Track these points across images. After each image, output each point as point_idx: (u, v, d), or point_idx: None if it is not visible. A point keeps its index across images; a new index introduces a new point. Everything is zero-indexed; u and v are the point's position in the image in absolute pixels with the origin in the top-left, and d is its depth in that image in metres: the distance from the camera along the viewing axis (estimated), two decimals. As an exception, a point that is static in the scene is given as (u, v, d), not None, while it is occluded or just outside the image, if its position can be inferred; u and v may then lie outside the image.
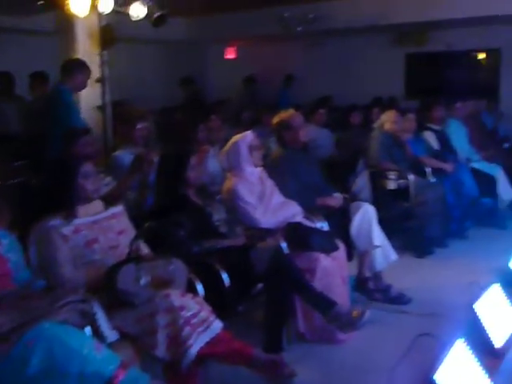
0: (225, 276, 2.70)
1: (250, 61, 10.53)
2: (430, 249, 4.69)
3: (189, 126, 4.40)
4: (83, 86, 4.57)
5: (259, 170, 3.44)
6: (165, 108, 7.28)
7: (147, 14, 5.26)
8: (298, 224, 3.26)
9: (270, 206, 3.34)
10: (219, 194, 3.38)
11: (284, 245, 3.09)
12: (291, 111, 3.76)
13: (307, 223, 3.38)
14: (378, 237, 3.67)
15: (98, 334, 2.04)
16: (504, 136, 7.80)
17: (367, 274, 3.69)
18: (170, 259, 2.39)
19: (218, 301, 2.60)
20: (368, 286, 3.66)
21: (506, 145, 7.43)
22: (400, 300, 3.64)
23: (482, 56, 9.49)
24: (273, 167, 3.65)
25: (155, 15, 5.30)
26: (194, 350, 2.07)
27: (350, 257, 3.59)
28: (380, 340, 3.13)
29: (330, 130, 6.40)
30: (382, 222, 4.03)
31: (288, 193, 3.51)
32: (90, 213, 2.50)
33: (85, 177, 2.48)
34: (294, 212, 3.40)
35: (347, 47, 9.94)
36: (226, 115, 6.45)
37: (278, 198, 3.43)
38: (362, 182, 4.85)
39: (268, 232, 3.17)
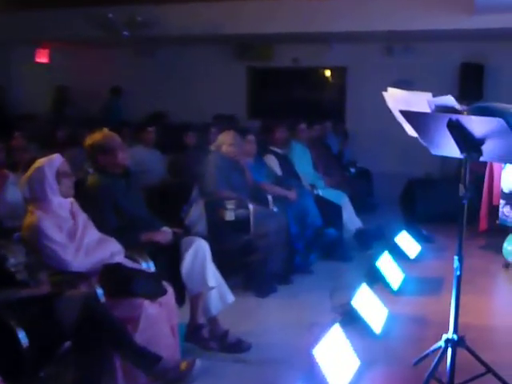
0: (22, 335, 2.53)
1: (67, 68, 10.24)
2: (273, 286, 4.82)
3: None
4: None
5: (70, 200, 3.31)
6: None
7: None
8: (118, 265, 3.18)
9: (83, 244, 3.21)
10: (18, 231, 3.17)
11: (100, 291, 2.99)
12: (105, 131, 3.71)
13: (129, 264, 3.31)
14: (213, 276, 3.69)
15: None
16: (350, 160, 8.46)
17: (201, 320, 3.68)
18: None
19: (13, 366, 2.43)
20: (202, 334, 3.64)
21: (353, 170, 8.06)
22: (239, 347, 3.66)
23: (329, 74, 10.25)
24: (88, 197, 3.53)
25: None
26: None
27: (180, 301, 3.58)
28: (215, 396, 3.15)
29: (162, 152, 6.41)
30: (220, 259, 4.10)
31: (106, 228, 3.42)
32: None
33: None
34: (112, 251, 3.30)
35: (184, 58, 10.15)
36: (35, 133, 6.17)
37: (93, 234, 3.31)
38: (196, 212, 4.89)
39: (80, 277, 3.05)
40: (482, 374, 2.90)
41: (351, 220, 6.36)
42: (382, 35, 8.91)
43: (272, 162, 5.96)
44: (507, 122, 2.41)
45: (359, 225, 6.43)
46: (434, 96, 2.74)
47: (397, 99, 2.81)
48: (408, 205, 7.38)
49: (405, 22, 8.13)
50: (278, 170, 5.93)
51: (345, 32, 8.62)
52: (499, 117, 2.43)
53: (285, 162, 6.14)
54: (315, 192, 6.20)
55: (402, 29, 8.30)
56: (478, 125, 2.55)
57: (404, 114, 2.76)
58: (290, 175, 6.00)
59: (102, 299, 2.96)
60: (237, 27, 8.61)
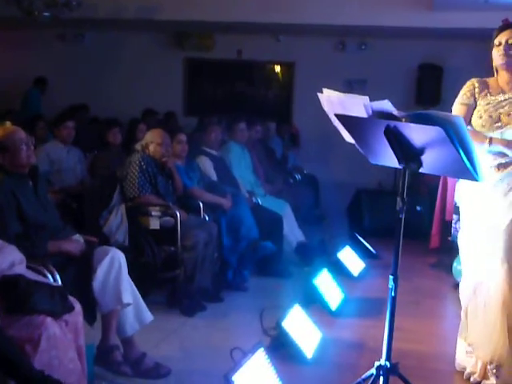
0: None
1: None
2: (201, 304, 4.85)
3: None
4: None
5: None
6: None
7: None
8: (17, 277, 3.12)
9: (-24, 253, 3.16)
10: None
11: (-5, 307, 2.93)
12: (7, 125, 3.64)
13: (31, 276, 3.26)
14: (129, 292, 3.67)
15: None
16: (296, 166, 8.55)
17: (114, 340, 3.66)
18: None
19: None
20: (114, 357, 3.62)
21: (298, 176, 8.15)
22: (156, 373, 3.65)
23: (276, 69, 10.36)
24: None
25: None
26: None
27: (91, 319, 3.55)
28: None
29: (82, 150, 6.36)
30: (141, 272, 4.09)
31: (6, 234, 3.36)
32: None
33: None
34: (12, 260, 3.23)
35: (113, 44, 10.09)
36: None
37: (-11, 241, 3.25)
38: (116, 219, 4.84)
39: (-28, 290, 2.99)
40: (415, 405, 2.98)
41: (292, 232, 6.46)
42: (334, 29, 9.08)
43: (206, 164, 5.99)
44: (447, 132, 2.49)
45: (301, 238, 6.54)
46: (384, 99, 2.79)
47: (333, 101, 2.86)
48: (355, 217, 7.52)
49: (360, 16, 8.32)
50: (212, 174, 5.96)
51: (294, 24, 8.74)
52: (439, 126, 2.51)
53: (221, 165, 6.17)
54: (254, 200, 6.25)
55: (356, 23, 8.48)
56: (416, 133, 2.62)
57: (339, 117, 2.82)
58: (225, 180, 6.04)
59: (-3, 316, 2.91)
60: (173, 13, 8.61)
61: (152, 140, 5.15)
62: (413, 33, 8.70)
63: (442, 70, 9.32)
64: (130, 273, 3.72)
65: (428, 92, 9.09)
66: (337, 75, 9.13)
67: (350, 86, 9.20)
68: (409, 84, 9.28)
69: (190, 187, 5.44)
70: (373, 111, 2.71)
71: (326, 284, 4.95)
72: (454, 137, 2.51)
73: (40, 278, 3.32)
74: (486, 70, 8.46)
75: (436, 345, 4.19)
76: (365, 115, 2.73)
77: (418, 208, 6.89)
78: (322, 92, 2.98)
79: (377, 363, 3.00)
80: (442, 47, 9.12)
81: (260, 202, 6.30)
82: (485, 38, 8.71)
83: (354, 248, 6.11)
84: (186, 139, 5.62)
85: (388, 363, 2.96)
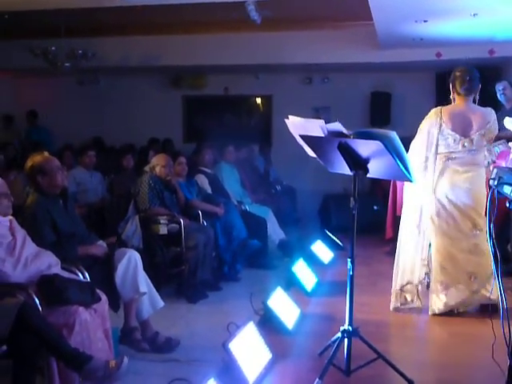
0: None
1: (12, 97, 10.09)
2: (204, 293, 4.91)
3: None
4: None
5: (9, 219, 3.32)
6: None
7: None
8: (54, 276, 3.21)
9: (21, 258, 3.21)
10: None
11: (37, 300, 3.02)
12: (45, 154, 3.73)
13: (65, 274, 3.34)
14: (144, 283, 3.75)
15: None
16: (276, 178, 8.67)
17: (134, 323, 3.74)
18: None
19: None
20: (135, 336, 3.70)
21: (279, 187, 8.28)
22: (168, 346, 3.72)
23: (256, 101, 10.48)
24: (26, 214, 3.56)
25: None
26: None
27: (115, 307, 3.64)
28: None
29: (102, 173, 6.45)
30: (153, 269, 4.17)
31: (43, 242, 3.44)
32: None
33: None
34: (49, 263, 3.31)
35: (125, 87, 10.17)
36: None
37: (31, 248, 3.31)
38: (132, 227, 4.93)
39: (18, 287, 3.07)
40: (374, 360, 3.09)
41: (275, 232, 6.55)
42: (302, 67, 9.23)
43: (202, 181, 6.08)
44: (384, 145, 2.63)
45: (282, 236, 6.63)
46: (345, 122, 2.91)
47: (296, 125, 2.99)
48: (325, 217, 7.63)
49: (322, 55, 8.49)
50: (207, 188, 6.05)
51: (270, 64, 8.90)
52: (378, 140, 2.65)
53: (214, 180, 6.26)
54: (243, 207, 6.35)
55: (320, 61, 8.65)
56: (362, 147, 2.76)
57: (303, 137, 2.95)
58: (218, 192, 6.13)
59: (40, 307, 2.98)
60: (171, 59, 8.74)
61: (158, 163, 5.24)
62: (365, 67, 8.86)
63: (390, 96, 9.46)
64: (145, 270, 3.80)
65: (380, 114, 9.22)
66: (306, 104, 9.27)
67: (317, 112, 9.33)
68: (364, 108, 9.43)
69: (191, 199, 5.52)
70: (328, 131, 2.84)
71: (302, 270, 5.04)
72: (390, 148, 2.65)
73: (72, 276, 3.41)
74: (424, 95, 8.67)
75: (390, 315, 4.28)
76: (322, 135, 2.86)
77: (375, 207, 6.99)
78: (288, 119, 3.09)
79: (342, 328, 3.11)
80: (389, 77, 9.28)
81: (248, 209, 6.40)
82: (423, 68, 8.96)
83: (324, 241, 6.19)
84: (186, 161, 5.71)
85: (350, 327, 3.08)
